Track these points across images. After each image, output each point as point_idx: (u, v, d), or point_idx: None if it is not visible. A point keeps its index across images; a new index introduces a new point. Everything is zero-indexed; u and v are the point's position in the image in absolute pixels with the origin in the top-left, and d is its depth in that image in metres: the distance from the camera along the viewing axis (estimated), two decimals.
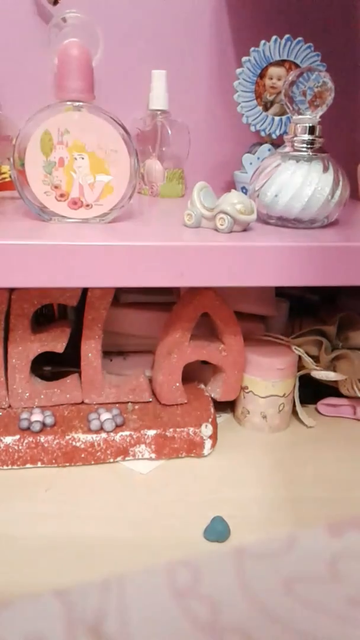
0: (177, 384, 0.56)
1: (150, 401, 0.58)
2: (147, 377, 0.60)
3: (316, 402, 0.63)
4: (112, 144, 0.46)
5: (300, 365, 0.60)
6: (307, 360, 0.59)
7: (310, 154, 0.49)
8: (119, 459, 0.52)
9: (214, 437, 0.54)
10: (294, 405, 0.60)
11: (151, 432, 0.53)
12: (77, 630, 0.12)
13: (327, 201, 0.49)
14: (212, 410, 0.56)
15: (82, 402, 0.56)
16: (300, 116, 0.50)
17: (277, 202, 0.49)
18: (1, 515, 0.45)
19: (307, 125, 0.49)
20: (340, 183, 0.50)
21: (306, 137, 0.49)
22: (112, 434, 0.52)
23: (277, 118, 0.62)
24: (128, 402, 0.57)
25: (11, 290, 0.51)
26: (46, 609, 0.13)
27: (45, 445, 0.51)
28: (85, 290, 0.53)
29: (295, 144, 0.50)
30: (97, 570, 0.40)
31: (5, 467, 0.51)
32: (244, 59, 0.59)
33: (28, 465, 0.51)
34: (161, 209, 0.60)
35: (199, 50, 0.71)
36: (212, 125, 0.74)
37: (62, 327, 0.55)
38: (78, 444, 0.51)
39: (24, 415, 0.52)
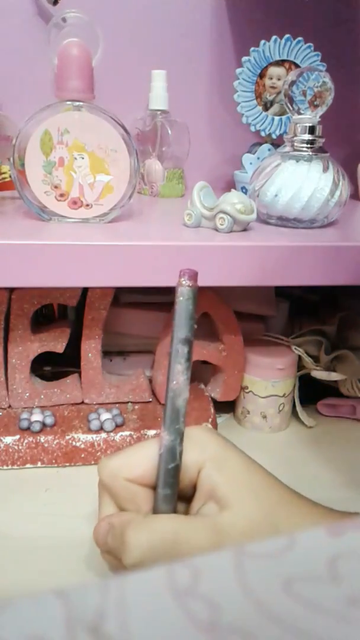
0: None
1: (150, 401, 0.57)
2: (147, 377, 0.60)
3: (316, 402, 0.63)
4: (112, 144, 0.46)
5: (300, 365, 0.60)
6: (307, 360, 0.59)
7: (310, 153, 0.49)
8: None
9: None
10: (294, 405, 0.60)
11: (151, 432, 0.53)
12: (77, 630, 0.12)
13: (327, 201, 0.49)
14: (212, 410, 0.56)
15: (82, 402, 0.56)
16: (300, 116, 0.50)
17: (277, 202, 0.49)
18: (1, 515, 0.45)
19: (307, 125, 0.49)
20: (340, 183, 0.50)
21: (306, 137, 0.49)
22: (112, 434, 0.52)
23: (277, 118, 0.62)
24: (128, 402, 0.57)
25: (11, 290, 0.51)
26: (46, 609, 0.13)
27: (45, 445, 0.51)
28: (85, 290, 0.53)
29: (295, 144, 0.50)
30: (97, 570, 0.40)
31: (5, 467, 0.51)
32: (244, 59, 0.59)
33: (28, 465, 0.51)
34: (161, 209, 0.60)
35: (199, 50, 0.71)
36: (212, 125, 0.74)
37: (62, 327, 0.55)
38: (78, 444, 0.51)
39: (24, 415, 0.52)
